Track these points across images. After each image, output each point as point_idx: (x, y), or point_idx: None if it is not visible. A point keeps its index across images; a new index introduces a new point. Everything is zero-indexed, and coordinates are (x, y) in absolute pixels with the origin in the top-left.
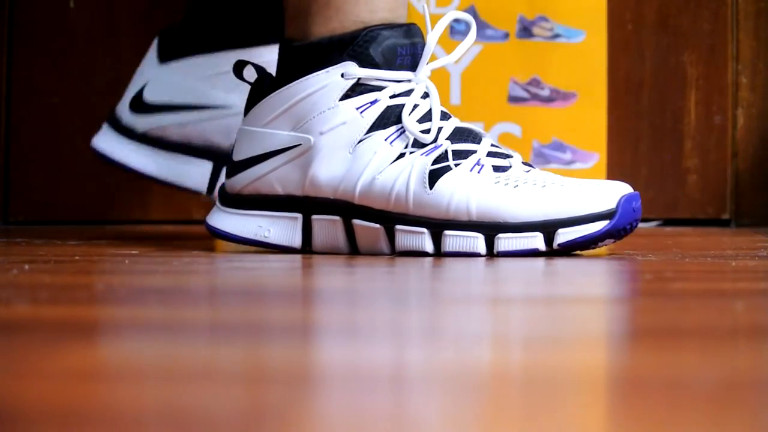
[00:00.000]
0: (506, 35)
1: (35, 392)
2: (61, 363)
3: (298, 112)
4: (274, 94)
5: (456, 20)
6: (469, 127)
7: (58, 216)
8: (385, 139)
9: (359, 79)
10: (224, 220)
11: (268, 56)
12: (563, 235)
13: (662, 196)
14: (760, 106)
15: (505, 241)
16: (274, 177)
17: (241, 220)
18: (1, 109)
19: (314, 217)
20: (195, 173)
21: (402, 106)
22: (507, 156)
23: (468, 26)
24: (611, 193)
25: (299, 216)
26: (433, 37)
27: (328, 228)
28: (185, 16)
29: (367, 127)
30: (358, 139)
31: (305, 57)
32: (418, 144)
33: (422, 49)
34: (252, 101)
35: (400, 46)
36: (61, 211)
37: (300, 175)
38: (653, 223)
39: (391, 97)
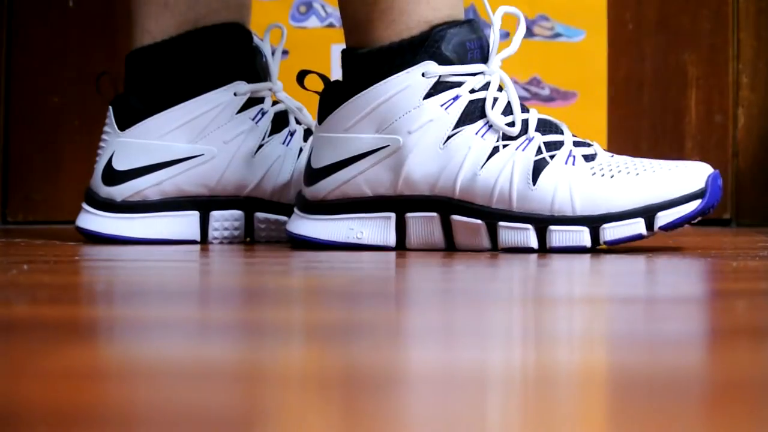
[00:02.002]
0: (506, 34)
1: (35, 392)
2: (61, 363)
3: (381, 115)
4: (352, 99)
5: None
6: (548, 117)
7: (58, 216)
8: (476, 134)
9: (439, 77)
10: (309, 226)
11: (214, 102)
12: (663, 218)
13: None
14: (761, 106)
15: (611, 231)
16: (362, 180)
17: (328, 225)
18: (1, 109)
19: (408, 215)
20: (184, 226)
21: (483, 99)
22: (588, 144)
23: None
24: (698, 173)
25: (392, 215)
26: (497, 27)
27: (424, 225)
28: (126, 83)
29: (454, 122)
30: (447, 135)
31: (378, 61)
32: (507, 136)
33: (487, 42)
34: (325, 109)
35: (468, 41)
36: (61, 211)
37: (391, 175)
38: None
39: (470, 91)
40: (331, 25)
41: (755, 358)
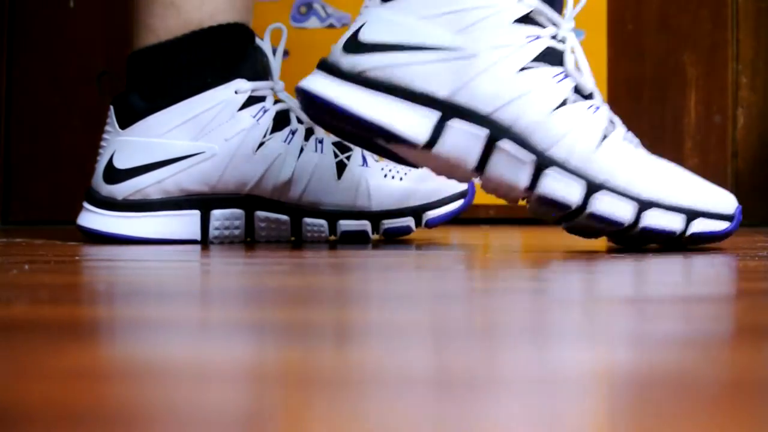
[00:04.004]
0: None
1: (35, 392)
2: (61, 363)
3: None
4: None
5: None
6: None
7: (58, 216)
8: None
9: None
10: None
11: (215, 99)
12: (698, 225)
13: None
14: (760, 106)
15: (652, 217)
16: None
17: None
18: (1, 110)
19: (449, 122)
20: (184, 225)
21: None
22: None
23: None
24: (729, 198)
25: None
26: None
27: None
28: (127, 82)
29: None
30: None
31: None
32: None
33: None
34: None
35: None
36: (61, 211)
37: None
38: None
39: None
40: (331, 26)
41: (756, 358)
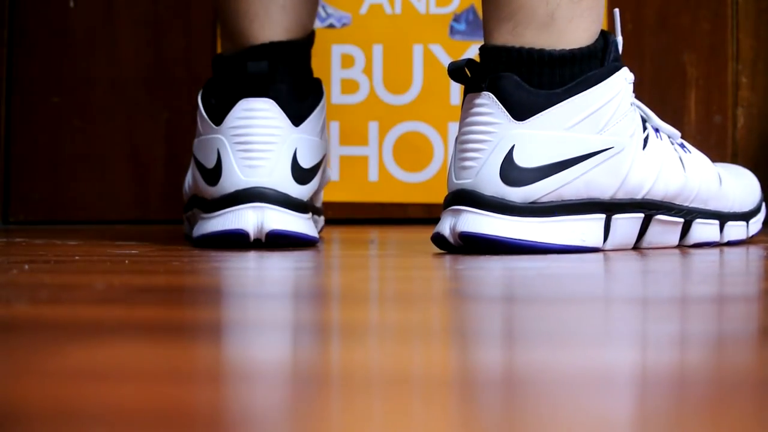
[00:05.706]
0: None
1: (35, 392)
2: (61, 363)
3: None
4: (571, 99)
5: (456, 20)
6: None
7: (58, 216)
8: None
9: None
10: (534, 230)
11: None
12: (755, 225)
13: None
14: (760, 106)
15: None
16: (581, 181)
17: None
18: (1, 109)
19: (616, 216)
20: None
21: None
22: None
23: (467, 26)
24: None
25: (603, 216)
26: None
27: (630, 225)
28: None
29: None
30: (644, 137)
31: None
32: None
33: None
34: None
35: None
36: (61, 211)
37: (611, 178)
38: None
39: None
40: (331, 26)
41: (757, 359)
